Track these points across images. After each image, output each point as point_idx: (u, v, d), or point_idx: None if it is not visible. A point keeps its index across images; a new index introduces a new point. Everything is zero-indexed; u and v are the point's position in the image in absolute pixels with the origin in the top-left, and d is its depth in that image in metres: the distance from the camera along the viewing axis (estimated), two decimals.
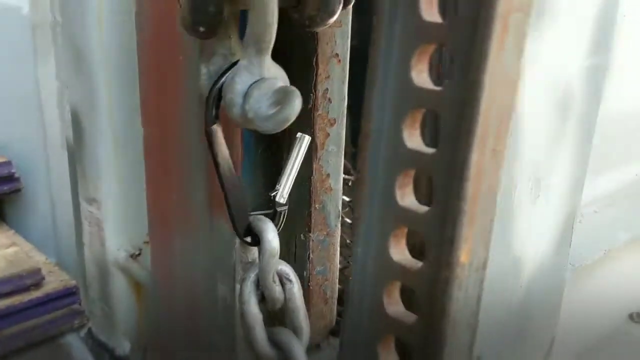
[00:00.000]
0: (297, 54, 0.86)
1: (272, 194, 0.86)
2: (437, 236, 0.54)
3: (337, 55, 0.86)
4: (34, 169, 1.73)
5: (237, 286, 1.05)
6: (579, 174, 0.97)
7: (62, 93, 1.48)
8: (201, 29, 0.70)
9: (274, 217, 0.86)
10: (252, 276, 0.85)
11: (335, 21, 0.84)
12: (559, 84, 0.87)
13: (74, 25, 1.24)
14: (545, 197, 0.93)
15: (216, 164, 0.78)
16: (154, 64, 1.08)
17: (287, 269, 0.85)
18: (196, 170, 1.05)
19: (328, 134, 0.90)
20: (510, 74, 0.51)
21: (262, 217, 0.84)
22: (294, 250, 0.99)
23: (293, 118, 0.68)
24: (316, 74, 0.85)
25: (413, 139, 0.56)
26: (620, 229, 1.20)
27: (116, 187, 1.34)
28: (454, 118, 0.52)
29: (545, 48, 0.82)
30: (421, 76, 0.57)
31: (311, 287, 0.99)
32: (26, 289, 1.52)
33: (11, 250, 1.60)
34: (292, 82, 0.80)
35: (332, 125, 0.90)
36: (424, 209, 0.55)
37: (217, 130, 0.77)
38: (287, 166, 0.84)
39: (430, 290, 0.55)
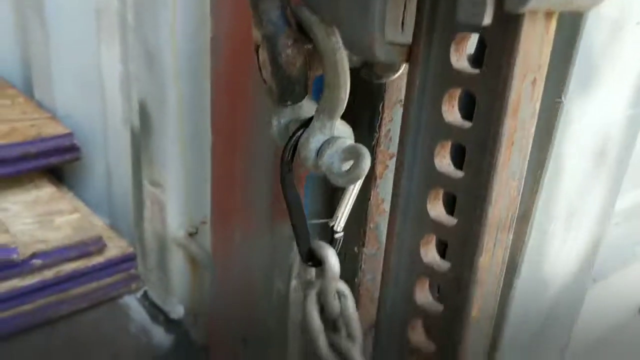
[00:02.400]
0: (365, 99, 0.96)
1: (332, 225, 0.96)
2: (460, 245, 0.69)
3: (401, 101, 0.96)
4: (92, 140, 1.85)
5: (293, 281, 1.19)
6: (608, 206, 1.08)
7: (127, 79, 1.59)
8: (288, 103, 0.81)
9: (331, 241, 0.98)
10: (313, 293, 0.97)
11: (400, 74, 0.94)
12: (599, 132, 0.97)
13: (147, 31, 1.33)
14: (577, 227, 1.05)
15: (288, 204, 0.89)
16: (226, 79, 1.18)
17: (342, 286, 0.97)
18: (261, 180, 1.17)
19: (387, 166, 1.01)
20: (516, 177, 0.64)
21: (324, 243, 0.95)
22: (343, 261, 1.11)
23: (364, 175, 0.79)
24: (381, 118, 0.96)
25: (443, 164, 0.68)
26: (637, 244, 1.31)
27: (180, 175, 1.46)
28: (478, 152, 0.65)
29: (590, 109, 0.92)
30: (442, 161, 0.69)
31: (361, 292, 1.12)
32: (89, 254, 1.67)
33: (74, 216, 1.74)
34: (359, 124, 0.90)
35: (391, 158, 1.01)
36: (452, 221, 0.69)
37: (291, 176, 0.87)
38: (344, 199, 0.94)
39: (453, 287, 0.70)
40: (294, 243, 1.16)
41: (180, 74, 1.33)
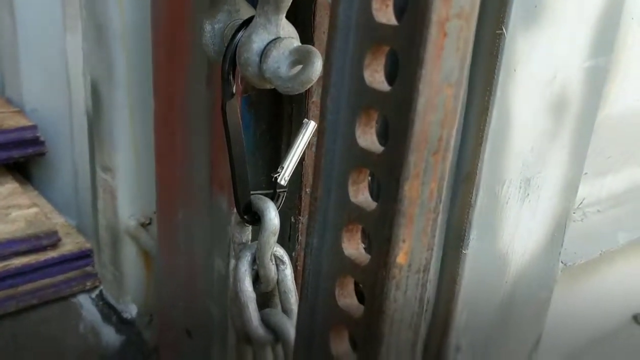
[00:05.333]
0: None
1: (275, 176, 0.86)
2: (378, 235, 0.56)
3: None
4: (59, 134, 1.79)
5: (232, 261, 1.09)
6: (572, 175, 0.97)
7: (85, 64, 1.53)
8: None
9: (273, 198, 0.87)
10: (247, 255, 0.87)
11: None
12: (554, 84, 0.87)
13: (97, 3, 1.28)
14: (536, 196, 0.94)
15: (228, 140, 0.79)
16: (165, 41, 1.11)
17: (281, 250, 0.87)
18: (199, 146, 1.08)
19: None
20: (452, 79, 0.52)
21: (263, 196, 0.86)
22: (289, 233, 1.01)
23: (315, 79, 0.68)
24: None
25: (366, 138, 0.58)
26: (621, 230, 1.20)
27: (130, 157, 1.38)
28: (398, 120, 0.54)
29: (541, 48, 0.82)
30: (374, 76, 0.58)
31: (299, 267, 1.01)
32: (43, 249, 1.58)
33: (32, 210, 1.66)
34: None
35: None
36: (373, 206, 0.57)
37: (235, 104, 0.78)
38: (291, 150, 0.85)
39: (372, 287, 0.57)
40: (232, 217, 1.08)
41: (128, 45, 1.27)
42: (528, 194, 0.92)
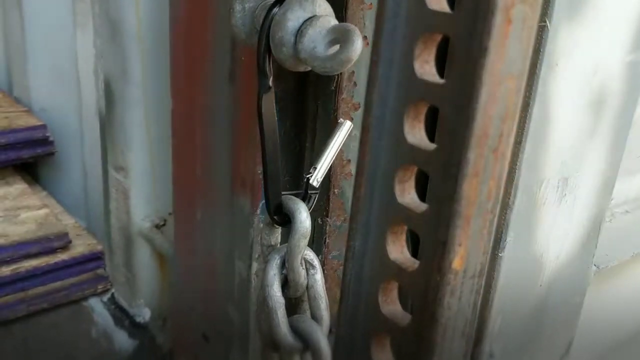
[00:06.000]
0: None
1: (307, 176, 0.82)
2: (432, 239, 0.52)
3: (365, 37, 0.84)
4: (68, 134, 1.76)
5: (254, 264, 1.05)
6: (609, 174, 0.94)
7: (98, 62, 1.49)
8: None
9: (304, 199, 0.83)
10: (277, 258, 0.82)
11: (364, 4, 0.83)
12: (595, 80, 0.84)
13: None
14: (573, 196, 0.91)
15: (262, 136, 0.75)
16: (184, 38, 1.08)
17: (311, 254, 0.83)
18: (220, 145, 1.05)
19: (352, 119, 0.89)
20: (515, 69, 0.49)
21: (294, 197, 0.82)
22: (312, 235, 0.98)
23: (355, 59, 0.64)
24: None
25: (415, 133, 0.54)
26: None
27: (144, 157, 1.35)
28: (454, 114, 0.50)
29: (582, 43, 0.79)
30: (425, 67, 0.54)
31: (326, 272, 0.98)
32: (53, 251, 1.54)
33: (42, 212, 1.63)
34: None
35: (356, 109, 0.89)
36: (423, 207, 0.53)
37: (271, 98, 0.74)
38: (325, 150, 0.80)
39: (423, 293, 0.53)
40: (254, 219, 1.04)
41: (143, 42, 1.24)
42: (565, 194, 0.89)
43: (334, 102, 0.88)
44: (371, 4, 0.82)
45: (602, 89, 0.85)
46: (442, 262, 0.52)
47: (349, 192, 0.94)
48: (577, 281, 1.01)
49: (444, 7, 0.52)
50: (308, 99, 0.99)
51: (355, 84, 0.87)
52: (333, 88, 0.87)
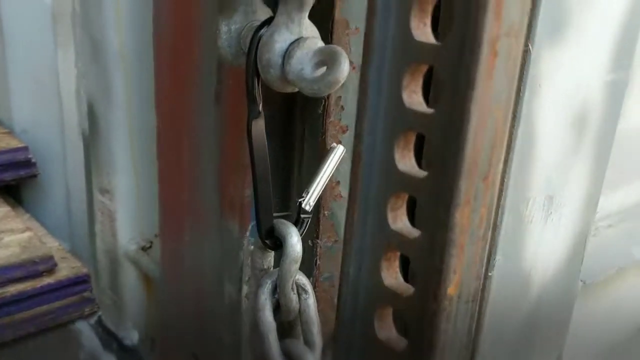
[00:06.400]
0: None
1: (299, 200, 0.82)
2: (426, 265, 0.53)
3: (351, 62, 0.84)
4: (51, 155, 1.74)
5: (244, 286, 1.05)
6: (593, 190, 0.95)
7: (80, 82, 1.49)
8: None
9: (296, 223, 0.84)
10: (268, 283, 0.83)
11: (350, 30, 0.83)
12: (577, 99, 0.85)
13: (92, 17, 1.24)
14: (559, 213, 0.92)
15: (252, 161, 0.76)
16: (169, 59, 1.08)
17: (304, 279, 0.83)
18: (208, 167, 1.05)
19: (340, 141, 0.89)
20: (502, 100, 0.50)
21: (286, 221, 0.82)
22: (302, 257, 0.98)
23: (342, 80, 0.64)
24: None
25: (405, 161, 0.55)
26: (635, 244, 1.18)
27: (130, 179, 1.34)
28: (444, 143, 0.51)
29: (564, 65, 0.80)
30: (413, 97, 0.55)
31: (317, 294, 0.98)
32: (39, 274, 1.53)
33: (25, 235, 1.61)
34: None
35: (344, 132, 0.89)
36: (415, 234, 0.54)
37: (261, 123, 0.74)
38: (318, 175, 0.80)
39: (419, 319, 0.54)
40: (244, 242, 1.04)
41: (126, 63, 1.23)
42: (551, 212, 0.90)
43: (322, 125, 0.88)
44: (357, 28, 0.83)
45: (584, 107, 0.87)
46: (437, 289, 0.53)
47: (339, 214, 0.94)
48: (565, 297, 1.02)
49: (430, 38, 0.53)
50: (295, 121, 0.99)
51: (342, 107, 0.87)
52: (320, 111, 0.88)
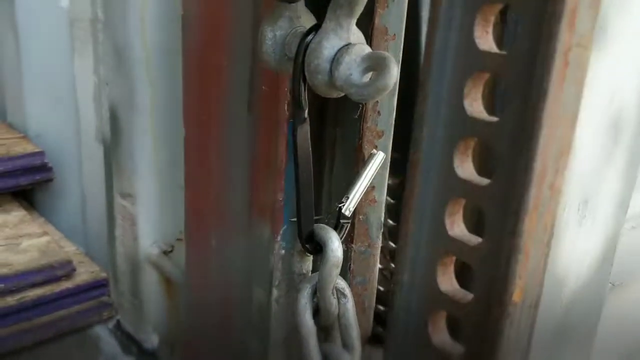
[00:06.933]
0: None
1: (339, 205, 0.83)
2: (489, 272, 0.53)
3: None
4: (66, 160, 1.75)
5: (274, 290, 1.05)
6: (625, 194, 0.96)
7: (99, 88, 1.49)
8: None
9: (335, 228, 0.84)
10: (308, 287, 0.83)
11: (388, 36, 0.84)
12: (612, 106, 0.86)
13: (116, 23, 1.24)
14: (592, 217, 0.92)
15: (296, 166, 0.76)
16: (198, 67, 1.08)
17: (343, 283, 0.84)
18: (238, 172, 1.05)
19: (375, 146, 0.90)
20: (570, 110, 0.50)
21: (326, 226, 0.82)
22: None
23: (392, 86, 0.64)
24: None
25: (465, 168, 0.55)
26: None
27: (152, 183, 1.34)
28: (511, 152, 0.51)
29: (602, 72, 0.81)
30: (474, 105, 0.56)
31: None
32: (57, 279, 1.53)
33: (43, 239, 1.61)
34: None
35: (379, 137, 0.90)
36: (475, 240, 0.55)
37: (306, 129, 0.74)
38: (358, 181, 0.81)
39: (479, 325, 0.54)
40: (274, 245, 1.04)
41: (151, 69, 1.23)
42: (585, 216, 0.91)
43: (359, 130, 0.88)
44: (394, 35, 0.84)
45: (619, 114, 0.87)
46: (502, 295, 0.53)
47: (373, 218, 0.95)
48: (595, 299, 1.02)
49: (493, 47, 0.53)
50: (327, 126, 0.99)
51: (379, 113, 0.88)
52: (356, 116, 0.88)
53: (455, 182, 0.55)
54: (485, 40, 0.53)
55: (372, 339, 1.08)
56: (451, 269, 0.59)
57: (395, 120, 0.91)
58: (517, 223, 0.50)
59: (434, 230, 0.57)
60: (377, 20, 0.80)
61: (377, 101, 0.88)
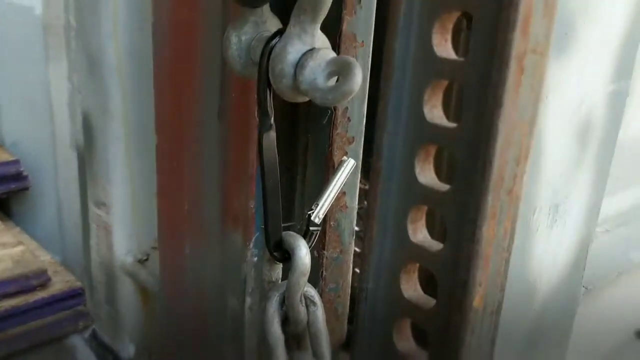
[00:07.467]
0: None
1: (308, 213, 0.82)
2: (450, 278, 0.53)
3: None
4: (41, 168, 1.73)
5: (248, 298, 1.05)
6: (595, 198, 0.96)
7: (73, 95, 1.48)
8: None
9: (304, 235, 0.83)
10: (276, 295, 0.82)
11: (357, 42, 0.84)
12: (580, 111, 0.86)
13: (89, 30, 1.23)
14: (563, 221, 0.93)
15: (262, 174, 0.76)
16: (169, 74, 1.07)
17: (312, 291, 0.83)
18: (210, 180, 1.04)
19: (346, 152, 0.90)
20: (527, 116, 0.50)
21: (294, 233, 0.82)
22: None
23: (356, 90, 0.64)
24: None
25: (426, 174, 0.55)
26: (632, 249, 1.20)
27: (126, 191, 1.33)
28: (469, 158, 0.51)
29: (569, 77, 0.81)
30: (434, 112, 0.56)
31: (323, 305, 0.98)
32: (32, 289, 1.51)
33: (18, 249, 1.59)
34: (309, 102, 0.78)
35: (350, 143, 0.89)
36: (437, 246, 0.55)
37: (272, 135, 0.74)
38: (328, 188, 0.80)
39: (442, 331, 0.54)
40: (247, 253, 1.04)
41: (124, 77, 1.22)
42: (556, 220, 0.91)
43: (329, 136, 0.88)
44: (363, 42, 0.83)
45: (587, 118, 0.88)
46: (463, 301, 0.53)
47: (345, 224, 0.94)
48: (568, 303, 1.03)
49: (451, 54, 0.53)
50: (298, 132, 0.99)
51: (349, 119, 0.87)
52: (324, 122, 0.88)
53: (416, 189, 0.55)
54: (444, 47, 0.53)
55: (347, 345, 1.07)
56: (415, 275, 0.58)
57: (365, 127, 0.91)
58: (476, 229, 0.50)
59: (397, 237, 0.57)
60: (345, 27, 0.80)
61: (347, 108, 0.87)
